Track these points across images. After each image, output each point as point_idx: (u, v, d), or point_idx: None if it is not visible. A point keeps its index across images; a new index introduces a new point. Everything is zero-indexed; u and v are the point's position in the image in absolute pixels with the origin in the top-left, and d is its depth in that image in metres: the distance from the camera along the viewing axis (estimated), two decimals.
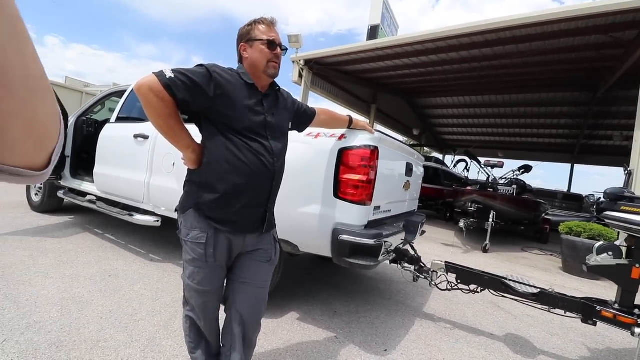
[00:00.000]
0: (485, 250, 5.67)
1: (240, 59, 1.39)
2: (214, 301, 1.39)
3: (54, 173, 3.92)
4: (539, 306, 2.25)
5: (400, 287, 3.31)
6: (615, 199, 2.18)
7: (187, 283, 1.36)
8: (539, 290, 2.22)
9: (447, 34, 6.44)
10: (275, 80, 1.45)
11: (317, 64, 8.73)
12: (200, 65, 1.26)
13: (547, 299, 2.19)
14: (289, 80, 8.88)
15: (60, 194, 4.05)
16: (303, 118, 1.71)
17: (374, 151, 2.05)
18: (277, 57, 1.36)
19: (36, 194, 4.51)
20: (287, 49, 1.43)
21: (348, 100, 11.01)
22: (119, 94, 3.84)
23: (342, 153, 2.05)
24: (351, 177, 2.03)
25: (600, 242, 2.19)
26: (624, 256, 2.09)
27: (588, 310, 2.08)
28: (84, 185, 3.81)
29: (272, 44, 1.34)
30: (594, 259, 2.12)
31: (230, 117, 1.26)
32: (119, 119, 3.55)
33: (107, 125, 3.62)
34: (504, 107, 12.33)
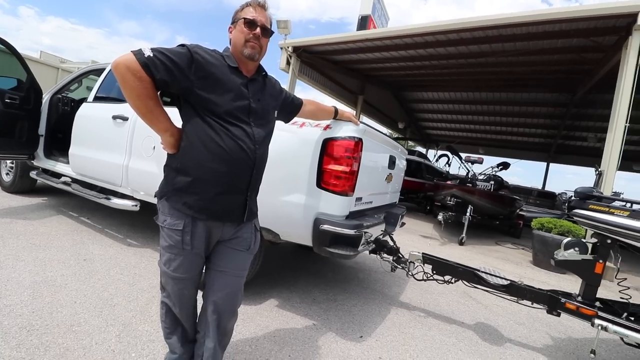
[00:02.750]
0: (461, 243, 5.86)
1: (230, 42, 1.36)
2: (190, 288, 1.38)
3: (26, 152, 3.75)
4: (508, 297, 2.36)
5: (378, 277, 3.39)
6: (585, 197, 2.28)
7: (163, 270, 1.34)
8: (509, 282, 2.32)
9: (436, 29, 6.48)
10: (262, 65, 1.42)
11: (306, 52, 8.60)
12: (182, 45, 1.22)
13: (516, 290, 2.30)
14: (277, 66, 8.75)
15: (32, 174, 3.88)
16: (290, 107, 1.69)
17: (358, 143, 2.07)
18: (256, 38, 1.30)
19: (7, 174, 4.31)
20: (271, 32, 1.37)
21: (335, 90, 10.95)
22: (98, 72, 3.68)
23: (327, 143, 2.05)
24: (334, 167, 2.04)
25: (568, 238, 2.30)
26: (589, 252, 2.20)
27: (553, 301, 2.19)
28: (59, 166, 3.67)
29: (252, 24, 1.29)
30: (562, 254, 2.23)
31: (211, 100, 1.22)
32: (97, 99, 3.42)
33: (84, 105, 3.48)
34: (487, 104, 12.60)
